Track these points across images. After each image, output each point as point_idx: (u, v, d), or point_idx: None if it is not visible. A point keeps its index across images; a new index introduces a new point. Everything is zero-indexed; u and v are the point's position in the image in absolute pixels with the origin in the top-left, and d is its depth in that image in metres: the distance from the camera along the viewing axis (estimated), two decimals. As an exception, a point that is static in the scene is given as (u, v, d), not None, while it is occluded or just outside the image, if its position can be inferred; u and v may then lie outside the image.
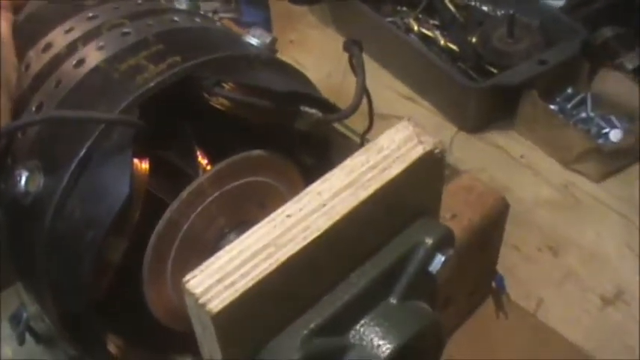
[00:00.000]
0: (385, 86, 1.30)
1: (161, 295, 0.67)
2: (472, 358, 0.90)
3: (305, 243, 0.49)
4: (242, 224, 0.67)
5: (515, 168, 1.20)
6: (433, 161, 0.55)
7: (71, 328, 0.66)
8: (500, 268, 0.97)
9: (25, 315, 0.82)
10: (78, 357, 0.78)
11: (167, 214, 0.63)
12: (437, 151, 0.55)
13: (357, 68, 0.69)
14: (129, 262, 0.66)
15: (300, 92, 0.68)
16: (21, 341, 0.82)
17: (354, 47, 0.70)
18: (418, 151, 0.54)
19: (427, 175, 0.56)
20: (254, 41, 0.72)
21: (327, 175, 0.53)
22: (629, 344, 0.97)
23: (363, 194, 0.51)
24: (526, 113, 1.22)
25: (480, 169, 1.17)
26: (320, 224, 0.50)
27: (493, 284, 0.97)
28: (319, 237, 0.49)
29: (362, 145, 0.77)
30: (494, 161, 1.20)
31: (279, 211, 0.51)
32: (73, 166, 0.61)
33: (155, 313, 0.68)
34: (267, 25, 1.39)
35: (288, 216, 0.50)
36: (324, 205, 0.51)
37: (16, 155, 0.66)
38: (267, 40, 0.72)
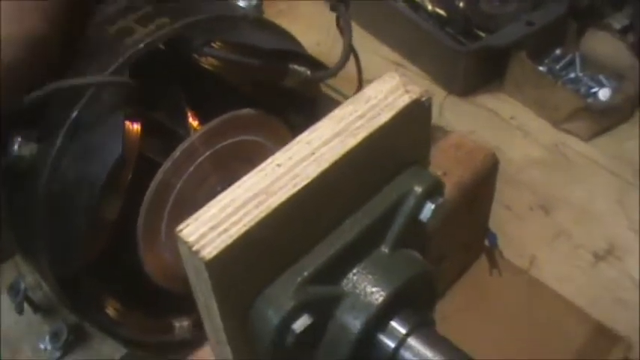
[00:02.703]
0: (373, 52, 1.30)
1: (156, 255, 0.68)
2: (467, 314, 0.91)
3: (295, 190, 0.49)
4: (233, 183, 0.67)
5: (505, 129, 1.21)
6: (420, 109, 0.56)
7: (69, 293, 0.67)
8: (493, 227, 0.98)
9: (23, 285, 0.82)
10: (77, 322, 0.79)
11: (159, 175, 0.64)
12: (424, 99, 0.55)
13: (344, 27, 0.69)
14: (125, 226, 0.66)
15: (288, 50, 0.69)
16: (20, 310, 0.83)
17: (340, 6, 0.70)
18: (405, 100, 0.54)
19: (415, 124, 0.56)
20: (242, 3, 0.72)
21: (316, 125, 0.53)
22: (621, 298, 0.99)
23: (352, 142, 0.52)
24: (515, 75, 1.22)
25: (471, 132, 1.17)
26: (309, 172, 0.50)
27: (486, 242, 0.98)
28: (309, 184, 0.50)
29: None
30: (484, 123, 1.21)
31: (269, 160, 0.51)
32: (65, 128, 0.62)
33: (151, 274, 0.69)
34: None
35: (278, 165, 0.51)
36: (313, 153, 0.51)
37: (11, 124, 0.66)
38: (254, 2, 0.72)
